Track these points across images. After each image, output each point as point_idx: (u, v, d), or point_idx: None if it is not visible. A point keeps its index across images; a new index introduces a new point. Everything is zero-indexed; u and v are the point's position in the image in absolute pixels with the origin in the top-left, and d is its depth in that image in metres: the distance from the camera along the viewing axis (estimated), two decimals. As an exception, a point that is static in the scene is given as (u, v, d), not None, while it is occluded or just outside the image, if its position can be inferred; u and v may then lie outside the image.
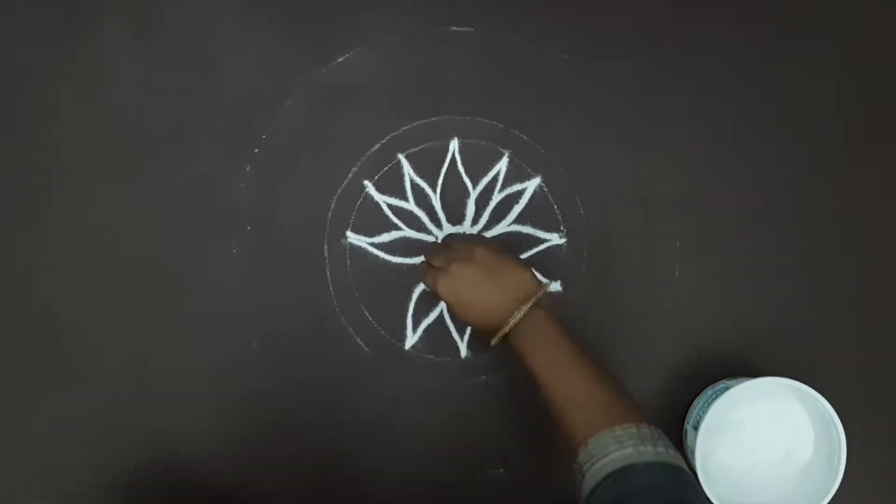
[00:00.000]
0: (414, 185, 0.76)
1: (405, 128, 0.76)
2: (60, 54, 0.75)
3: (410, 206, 0.76)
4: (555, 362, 0.62)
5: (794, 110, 0.76)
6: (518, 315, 0.64)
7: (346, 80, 0.76)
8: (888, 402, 0.76)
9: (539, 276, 0.68)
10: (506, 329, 0.64)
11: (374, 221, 0.76)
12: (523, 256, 0.75)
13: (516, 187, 0.76)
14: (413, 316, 0.76)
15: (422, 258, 0.74)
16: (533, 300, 0.64)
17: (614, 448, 0.54)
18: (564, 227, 0.76)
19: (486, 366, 0.76)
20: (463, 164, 0.76)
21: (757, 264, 0.76)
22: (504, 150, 0.76)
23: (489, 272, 0.65)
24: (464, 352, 0.76)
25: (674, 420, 0.74)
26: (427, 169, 0.76)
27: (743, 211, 0.76)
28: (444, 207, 0.76)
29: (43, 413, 0.75)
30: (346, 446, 0.75)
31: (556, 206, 0.76)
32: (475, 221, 0.76)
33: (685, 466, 0.55)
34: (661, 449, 0.54)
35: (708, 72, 0.76)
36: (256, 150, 0.75)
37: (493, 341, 0.66)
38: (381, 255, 0.76)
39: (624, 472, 0.53)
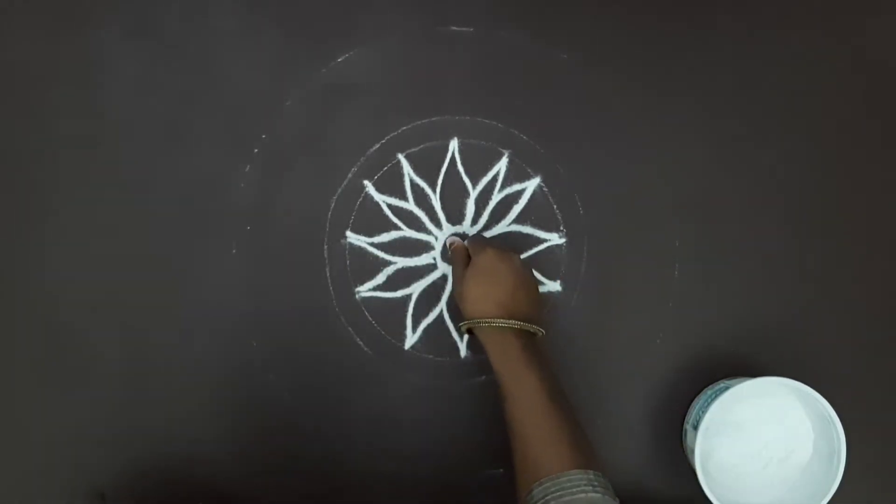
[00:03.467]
0: (414, 185, 0.76)
1: (405, 128, 0.76)
2: (60, 54, 0.75)
3: (410, 205, 0.76)
4: (525, 396, 0.62)
5: (794, 111, 0.76)
6: (499, 322, 0.65)
7: (346, 80, 0.76)
8: (888, 402, 0.76)
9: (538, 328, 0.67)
10: (482, 323, 0.65)
11: (373, 221, 0.76)
12: (523, 256, 0.75)
13: (516, 187, 0.76)
14: (413, 316, 0.76)
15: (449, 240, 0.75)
16: (518, 325, 0.65)
17: (574, 491, 0.56)
18: (564, 227, 0.76)
19: (486, 366, 0.75)
20: (463, 163, 0.76)
21: (757, 264, 0.76)
22: (504, 150, 0.76)
23: (515, 277, 0.67)
24: (464, 352, 0.76)
25: (674, 420, 0.75)
26: (427, 169, 0.76)
27: (743, 211, 0.76)
28: (443, 207, 0.76)
29: (43, 413, 0.75)
30: (346, 446, 0.75)
31: (555, 206, 0.76)
32: (475, 221, 0.76)
33: None
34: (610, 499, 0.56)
35: (708, 72, 0.76)
36: (256, 150, 0.75)
37: (461, 326, 0.68)
38: (381, 254, 0.76)
39: None
